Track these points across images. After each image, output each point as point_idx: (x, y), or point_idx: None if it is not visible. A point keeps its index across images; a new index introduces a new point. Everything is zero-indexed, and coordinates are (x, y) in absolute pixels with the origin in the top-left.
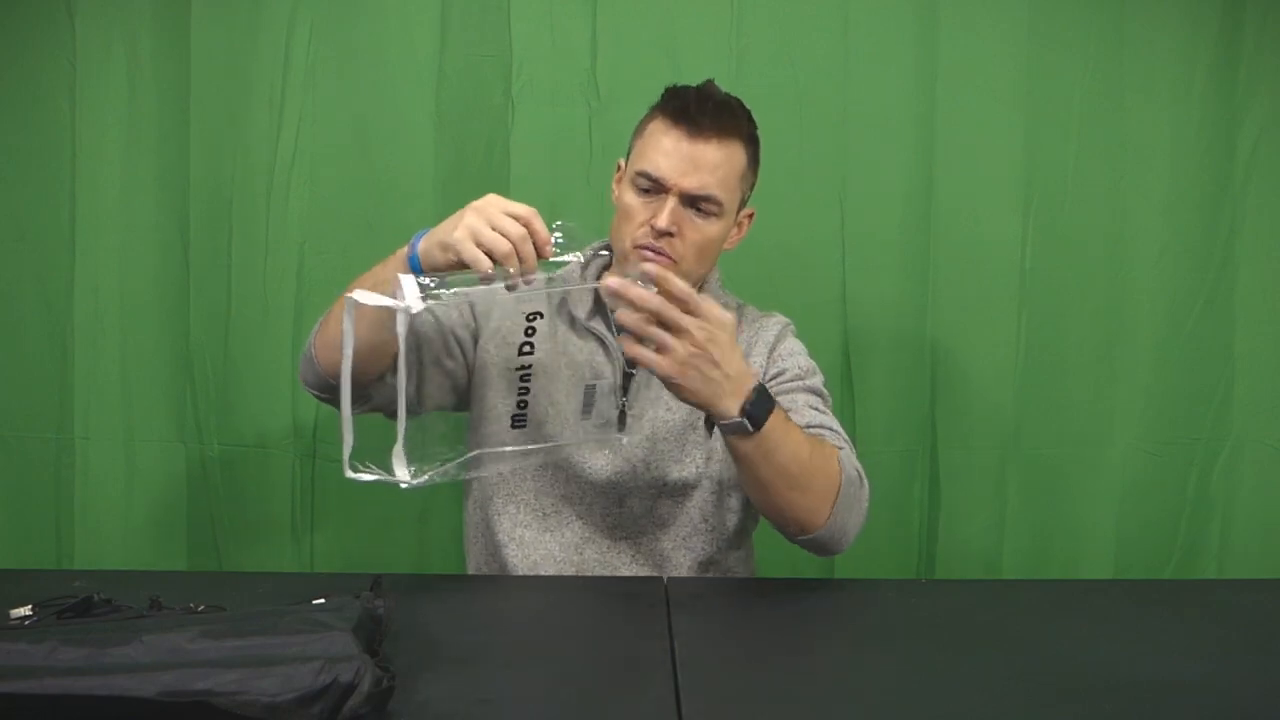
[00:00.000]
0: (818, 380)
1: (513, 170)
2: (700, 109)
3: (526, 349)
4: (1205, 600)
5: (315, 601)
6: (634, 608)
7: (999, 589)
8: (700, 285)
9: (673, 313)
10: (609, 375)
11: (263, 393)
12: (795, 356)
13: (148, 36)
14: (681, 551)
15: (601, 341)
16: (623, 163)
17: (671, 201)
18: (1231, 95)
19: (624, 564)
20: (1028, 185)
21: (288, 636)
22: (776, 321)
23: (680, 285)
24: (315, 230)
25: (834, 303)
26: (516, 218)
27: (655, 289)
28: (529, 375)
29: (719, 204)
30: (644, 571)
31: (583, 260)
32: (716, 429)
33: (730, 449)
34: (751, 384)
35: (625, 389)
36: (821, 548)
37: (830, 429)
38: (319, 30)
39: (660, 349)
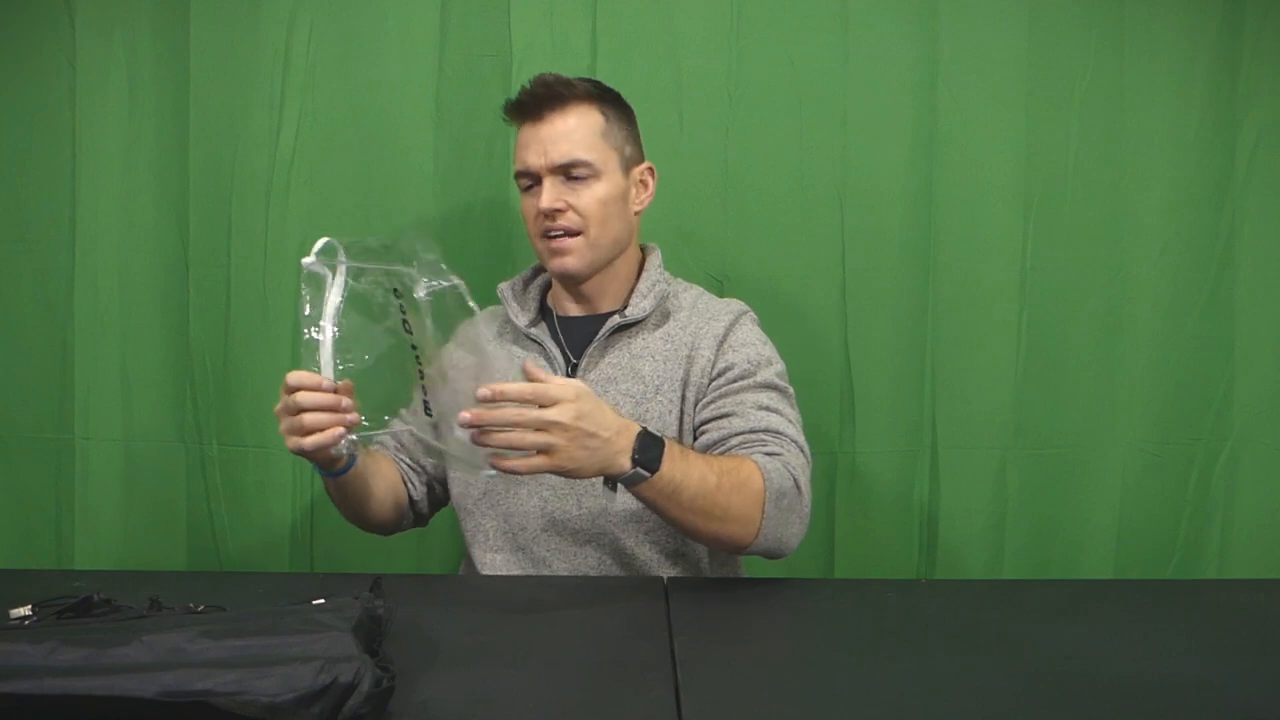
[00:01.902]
0: (771, 373)
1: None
2: (531, 95)
3: (406, 327)
4: (1205, 600)
5: (315, 602)
6: (634, 608)
7: (999, 589)
8: (640, 267)
9: (533, 414)
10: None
11: (263, 393)
12: (745, 348)
13: (148, 36)
14: (645, 546)
15: (542, 347)
16: None
17: (547, 182)
18: (1232, 95)
19: (591, 569)
20: (1028, 185)
21: (288, 637)
22: (728, 310)
23: (516, 387)
24: (315, 230)
25: (834, 302)
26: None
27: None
28: (415, 355)
29: (588, 164)
30: (614, 572)
31: (524, 276)
32: (618, 485)
33: (637, 498)
34: (634, 432)
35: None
36: (763, 556)
37: (770, 430)
38: (319, 30)
39: (543, 451)
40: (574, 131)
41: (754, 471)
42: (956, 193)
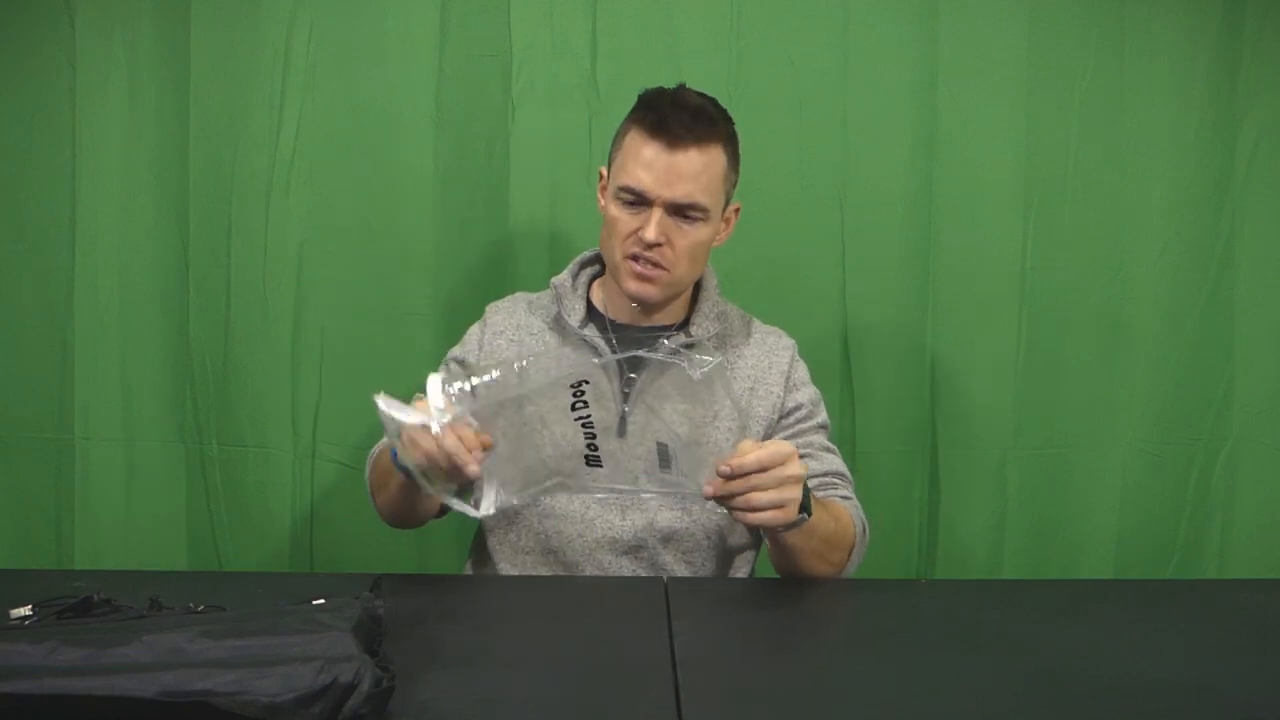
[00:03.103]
0: (822, 410)
1: (513, 170)
2: (677, 119)
3: (580, 405)
4: (1205, 600)
5: (315, 602)
6: (634, 608)
7: (999, 589)
8: (697, 293)
9: (775, 474)
10: (604, 383)
11: (263, 393)
12: (806, 387)
13: (148, 36)
14: (682, 565)
15: (595, 350)
16: (604, 170)
17: (657, 213)
18: (1232, 95)
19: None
20: (1028, 185)
21: (288, 637)
22: (786, 345)
23: (755, 457)
24: (315, 230)
25: (834, 303)
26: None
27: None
28: (591, 424)
29: (704, 210)
30: None
31: (572, 271)
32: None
33: (775, 541)
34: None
35: (625, 398)
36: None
37: (839, 473)
38: (319, 30)
39: (777, 506)
40: (702, 174)
41: (847, 516)
42: (956, 193)
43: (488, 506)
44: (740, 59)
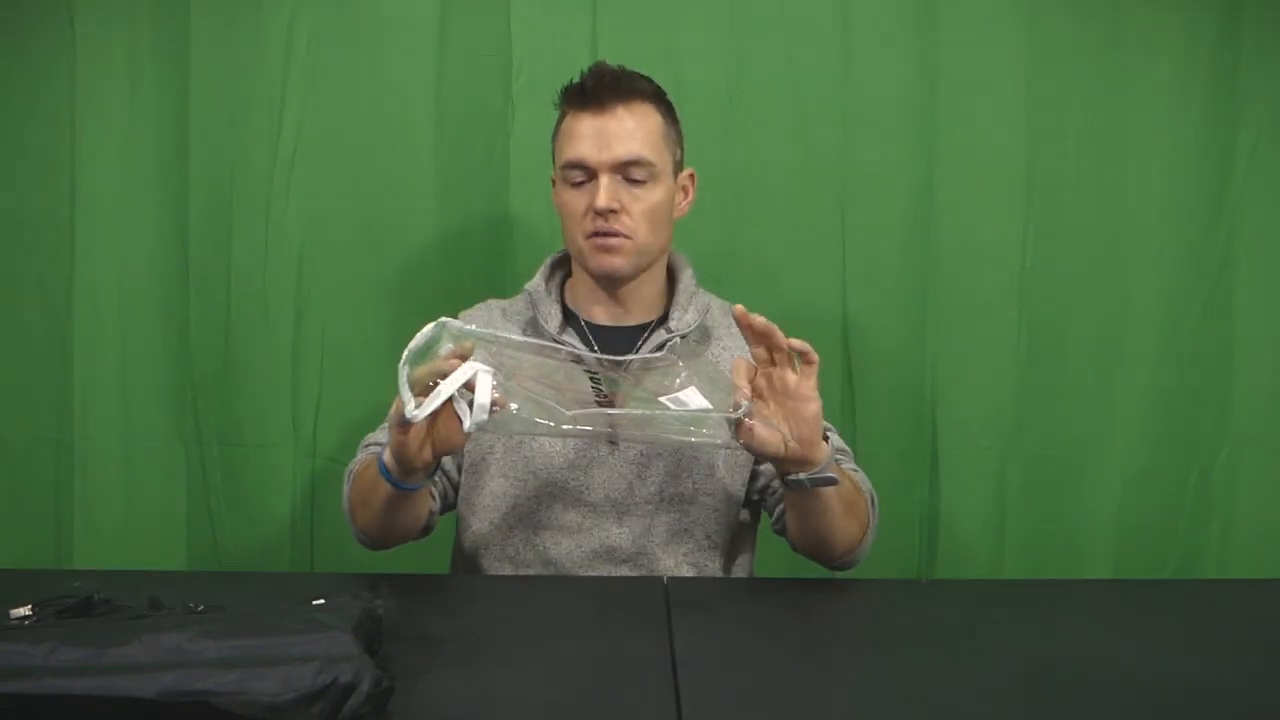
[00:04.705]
0: None
1: (513, 170)
2: (597, 84)
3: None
4: (1205, 600)
5: (315, 602)
6: (634, 608)
7: (999, 589)
8: (673, 286)
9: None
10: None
11: (263, 393)
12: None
13: (148, 36)
14: (685, 568)
15: (577, 357)
16: (554, 176)
17: (605, 179)
18: (1231, 95)
19: None
20: (1028, 185)
21: (288, 637)
22: None
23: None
24: (315, 230)
25: (834, 302)
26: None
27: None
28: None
29: (650, 165)
30: None
31: (544, 274)
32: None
33: (808, 489)
34: None
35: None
36: (848, 566)
37: (842, 449)
38: (319, 30)
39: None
40: (637, 130)
41: (856, 478)
42: (956, 193)
43: (480, 414)
44: (740, 59)
